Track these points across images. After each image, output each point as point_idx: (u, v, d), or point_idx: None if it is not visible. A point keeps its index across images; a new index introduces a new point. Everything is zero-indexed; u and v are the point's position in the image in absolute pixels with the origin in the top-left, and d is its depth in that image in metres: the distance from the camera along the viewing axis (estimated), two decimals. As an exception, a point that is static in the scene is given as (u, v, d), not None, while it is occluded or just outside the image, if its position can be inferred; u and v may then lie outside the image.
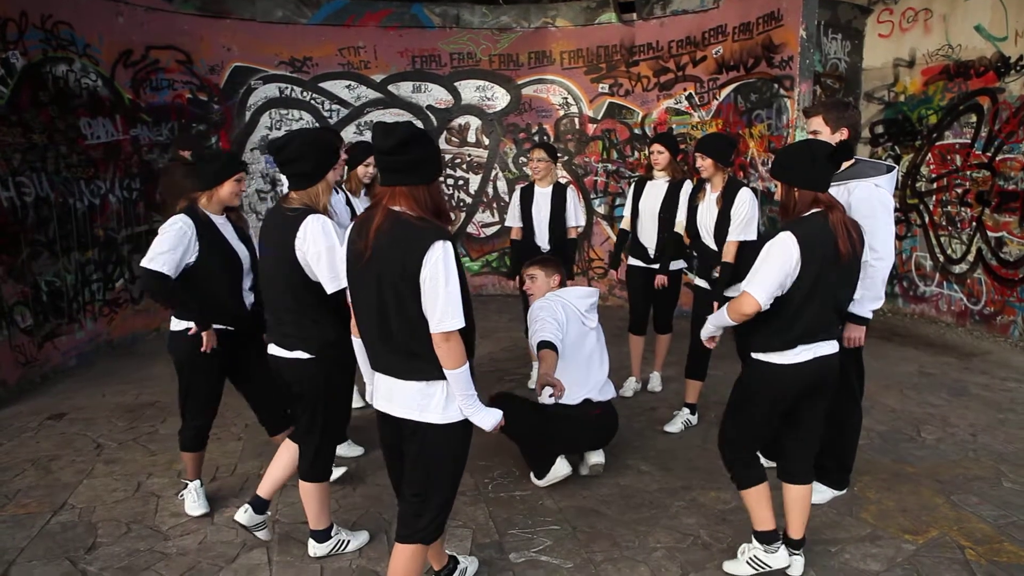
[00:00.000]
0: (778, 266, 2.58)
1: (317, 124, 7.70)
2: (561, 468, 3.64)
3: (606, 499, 3.55)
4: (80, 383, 5.42)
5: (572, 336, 3.66)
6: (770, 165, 2.84)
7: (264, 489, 3.09)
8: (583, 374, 3.69)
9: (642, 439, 4.27)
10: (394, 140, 2.16)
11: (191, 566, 3.02)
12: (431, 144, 2.27)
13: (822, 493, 3.49)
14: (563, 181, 4.97)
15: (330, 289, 2.68)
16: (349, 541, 3.14)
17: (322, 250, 2.64)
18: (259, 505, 3.09)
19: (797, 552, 2.92)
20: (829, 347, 2.74)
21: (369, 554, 3.11)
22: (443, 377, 2.23)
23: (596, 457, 3.76)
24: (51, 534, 3.28)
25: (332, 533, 3.10)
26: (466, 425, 2.34)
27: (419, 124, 8.02)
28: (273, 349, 2.86)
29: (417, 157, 2.19)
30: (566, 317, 3.67)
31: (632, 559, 3.06)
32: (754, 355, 2.76)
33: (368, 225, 2.20)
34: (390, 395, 2.33)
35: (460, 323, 2.17)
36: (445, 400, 2.27)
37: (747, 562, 2.92)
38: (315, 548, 3.08)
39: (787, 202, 2.69)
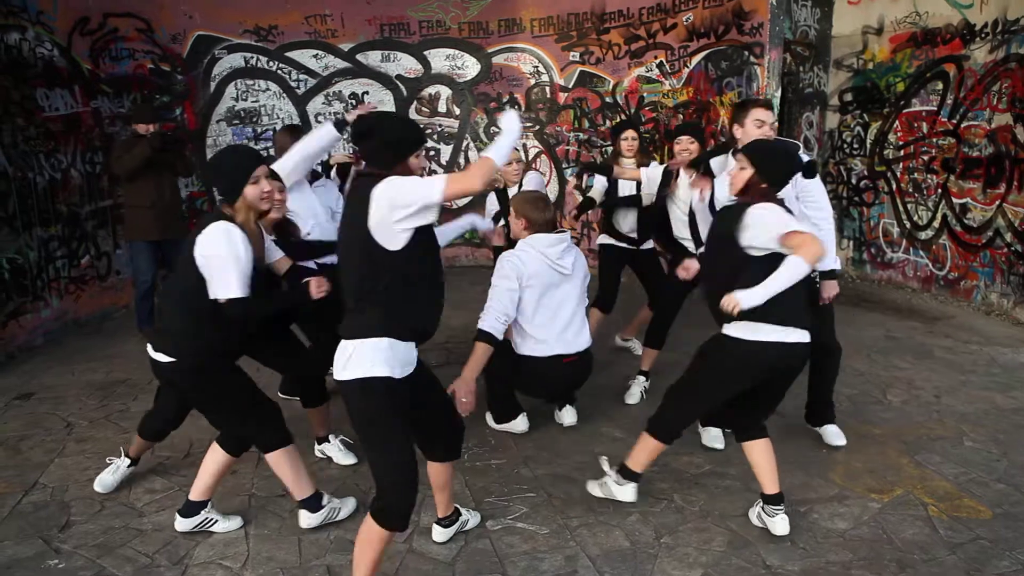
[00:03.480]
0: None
1: (284, 94, 7.55)
2: (519, 424, 3.90)
3: (580, 466, 3.60)
4: (48, 362, 5.32)
5: (541, 286, 3.69)
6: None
7: (195, 492, 3.02)
8: (555, 324, 3.74)
9: (616, 407, 4.32)
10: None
11: (167, 542, 3.00)
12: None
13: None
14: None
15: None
16: (341, 508, 3.14)
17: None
18: (189, 509, 3.02)
19: (778, 508, 2.97)
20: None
21: (347, 525, 3.10)
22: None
23: (569, 419, 3.99)
24: (23, 514, 3.25)
25: (324, 502, 3.08)
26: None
27: (389, 95, 7.91)
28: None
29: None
30: (534, 270, 3.66)
31: (607, 524, 3.11)
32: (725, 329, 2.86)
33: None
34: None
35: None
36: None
37: (599, 485, 3.29)
38: (308, 519, 3.04)
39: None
